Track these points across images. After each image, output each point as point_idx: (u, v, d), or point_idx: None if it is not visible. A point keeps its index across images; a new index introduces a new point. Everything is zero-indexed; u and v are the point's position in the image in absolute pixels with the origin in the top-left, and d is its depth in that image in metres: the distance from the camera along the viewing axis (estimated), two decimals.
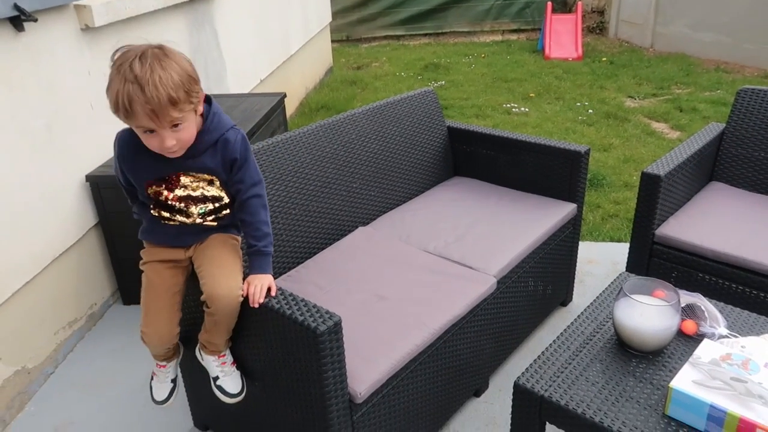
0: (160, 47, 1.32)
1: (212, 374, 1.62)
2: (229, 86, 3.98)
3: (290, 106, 5.32)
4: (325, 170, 2.15)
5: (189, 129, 1.37)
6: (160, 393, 1.71)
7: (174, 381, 1.73)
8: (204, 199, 1.53)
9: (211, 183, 1.51)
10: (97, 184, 2.49)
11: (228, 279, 1.49)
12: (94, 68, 2.54)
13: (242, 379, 1.64)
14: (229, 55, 3.98)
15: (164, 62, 1.28)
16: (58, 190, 2.36)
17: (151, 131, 1.32)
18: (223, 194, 1.53)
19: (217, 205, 1.55)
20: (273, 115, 3.24)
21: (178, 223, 1.55)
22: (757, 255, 1.97)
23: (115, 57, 1.31)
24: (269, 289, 1.50)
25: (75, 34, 2.43)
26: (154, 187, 1.49)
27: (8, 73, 2.09)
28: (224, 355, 1.62)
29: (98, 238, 2.61)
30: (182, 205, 1.52)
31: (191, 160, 1.45)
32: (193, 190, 1.51)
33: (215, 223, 1.57)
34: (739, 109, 2.50)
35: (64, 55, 2.37)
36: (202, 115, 1.43)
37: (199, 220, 1.55)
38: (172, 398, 1.71)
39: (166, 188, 1.49)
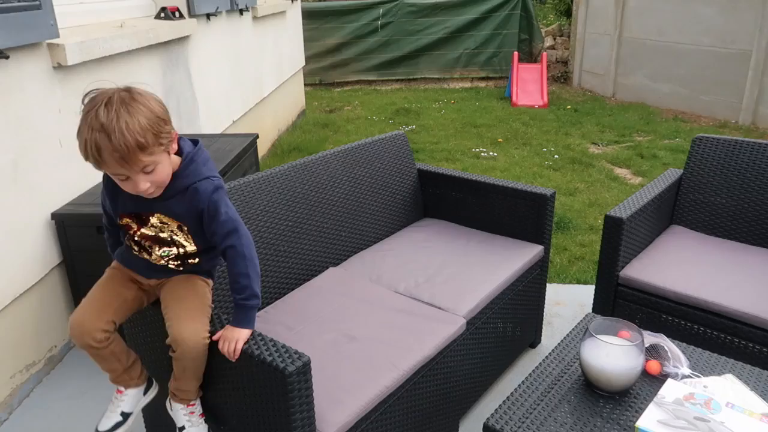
0: (128, 90, 1.32)
1: (178, 424, 1.57)
2: (201, 126, 3.99)
3: (262, 148, 5.35)
4: (296, 211, 2.16)
5: (162, 170, 1.37)
6: (105, 422, 1.61)
7: (124, 417, 1.62)
8: (170, 243, 1.52)
9: (180, 228, 1.50)
10: (62, 222, 2.44)
11: (194, 321, 1.47)
12: (65, 106, 2.53)
13: None
14: (202, 95, 4.01)
15: (131, 107, 1.28)
16: (22, 227, 2.31)
17: (126, 177, 1.33)
18: (187, 243, 1.51)
19: (181, 251, 1.53)
20: (245, 156, 3.25)
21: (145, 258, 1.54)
22: (717, 297, 2.03)
23: (84, 102, 1.31)
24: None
25: (47, 72, 2.43)
26: (126, 219, 1.51)
27: None
28: (193, 404, 1.57)
29: (61, 277, 2.55)
30: (147, 243, 1.52)
31: (160, 203, 1.45)
32: (161, 231, 1.50)
33: (181, 268, 1.56)
34: (695, 156, 2.61)
35: (34, 92, 2.36)
36: (178, 153, 1.44)
37: (162, 262, 1.54)
38: None
39: (136, 223, 1.50)
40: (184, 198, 1.44)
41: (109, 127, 1.24)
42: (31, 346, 2.38)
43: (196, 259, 1.55)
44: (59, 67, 2.47)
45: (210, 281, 1.61)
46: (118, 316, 1.54)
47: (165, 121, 1.34)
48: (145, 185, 1.34)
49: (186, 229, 1.49)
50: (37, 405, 2.30)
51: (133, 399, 1.65)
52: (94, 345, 1.51)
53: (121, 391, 1.64)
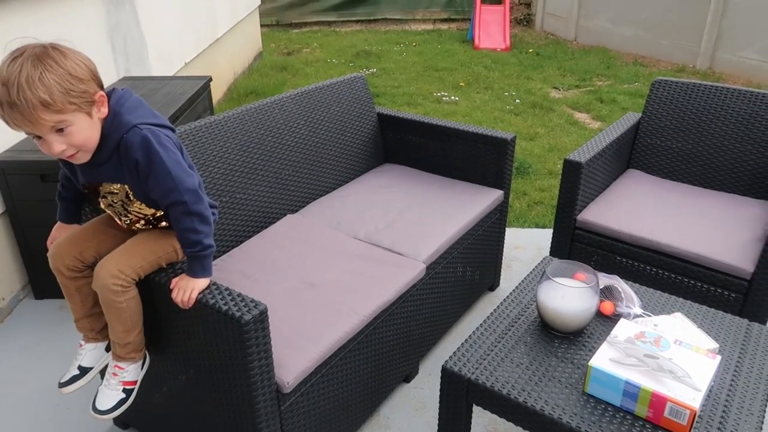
0: (47, 46, 1.21)
1: (105, 377, 1.55)
2: (151, 68, 3.80)
3: (218, 91, 5.15)
4: (252, 156, 2.09)
5: (80, 132, 1.26)
6: (65, 374, 1.57)
7: (82, 371, 1.58)
8: (126, 212, 1.46)
9: (128, 195, 1.42)
10: (2, 169, 2.31)
11: (114, 262, 1.42)
12: None
13: (120, 405, 1.52)
14: (151, 35, 3.79)
15: (41, 62, 1.17)
16: None
17: (38, 137, 1.24)
18: (143, 208, 1.44)
19: (140, 217, 1.47)
20: (198, 100, 3.12)
21: None
22: (669, 238, 2.08)
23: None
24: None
25: None
26: (86, 191, 1.46)
27: None
28: (121, 368, 1.51)
29: (5, 228, 2.43)
30: (110, 212, 1.48)
31: (102, 170, 1.37)
32: (113, 202, 1.44)
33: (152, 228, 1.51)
34: (653, 99, 2.62)
35: None
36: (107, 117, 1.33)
37: (133, 228, 1.49)
38: (72, 388, 1.55)
39: (93, 194, 1.45)
40: (119, 155, 1.34)
41: (9, 81, 1.15)
42: None
43: (164, 222, 1.49)
44: None
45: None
46: (100, 252, 1.49)
47: (80, 80, 1.22)
48: (60, 147, 1.25)
49: (131, 194, 1.41)
50: None
51: (92, 354, 1.60)
52: (63, 271, 1.49)
53: (81, 345, 1.60)
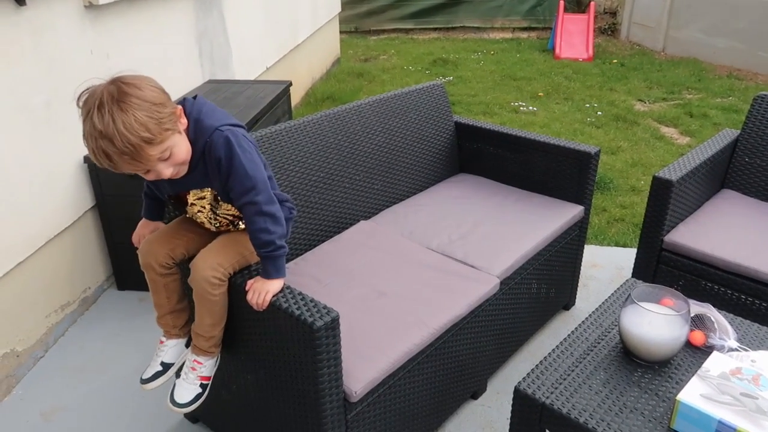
0: (116, 83, 1.23)
1: (182, 371, 1.58)
2: (234, 72, 3.92)
3: (296, 96, 5.26)
4: (329, 161, 2.10)
5: (180, 151, 1.31)
6: (147, 371, 1.63)
7: (165, 367, 1.63)
8: (215, 216, 1.51)
9: (216, 199, 1.47)
10: (95, 165, 2.42)
11: (213, 256, 1.46)
12: (97, 47, 2.49)
13: (197, 399, 1.56)
14: (235, 40, 3.92)
15: (123, 103, 1.20)
16: (55, 170, 2.31)
17: (146, 170, 1.29)
18: (230, 208, 1.49)
19: (229, 219, 1.52)
20: (278, 104, 3.19)
21: None
22: None
23: (79, 104, 1.25)
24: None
25: (78, 12, 2.37)
26: (172, 200, 1.54)
27: (8, 47, 2.04)
28: (200, 362, 1.55)
29: (94, 221, 2.57)
30: (201, 218, 1.53)
31: (190, 178, 1.41)
32: (201, 208, 1.49)
33: (239, 228, 1.56)
34: (755, 116, 2.44)
35: (65, 32, 2.31)
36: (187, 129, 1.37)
37: (220, 227, 1.55)
38: (155, 384, 1.61)
39: (180, 204, 1.52)
40: (204, 160, 1.39)
41: (109, 132, 1.19)
42: (65, 287, 2.42)
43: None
44: (90, 6, 2.42)
45: None
46: (189, 250, 1.56)
47: (163, 104, 1.26)
48: (168, 171, 1.31)
49: (218, 196, 1.46)
50: (71, 344, 2.35)
51: (173, 350, 1.65)
52: (155, 267, 1.54)
53: (162, 342, 1.65)
